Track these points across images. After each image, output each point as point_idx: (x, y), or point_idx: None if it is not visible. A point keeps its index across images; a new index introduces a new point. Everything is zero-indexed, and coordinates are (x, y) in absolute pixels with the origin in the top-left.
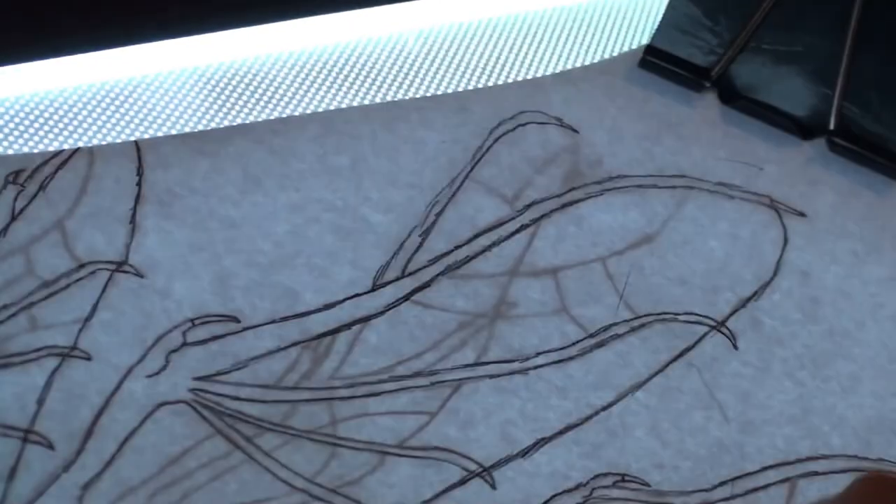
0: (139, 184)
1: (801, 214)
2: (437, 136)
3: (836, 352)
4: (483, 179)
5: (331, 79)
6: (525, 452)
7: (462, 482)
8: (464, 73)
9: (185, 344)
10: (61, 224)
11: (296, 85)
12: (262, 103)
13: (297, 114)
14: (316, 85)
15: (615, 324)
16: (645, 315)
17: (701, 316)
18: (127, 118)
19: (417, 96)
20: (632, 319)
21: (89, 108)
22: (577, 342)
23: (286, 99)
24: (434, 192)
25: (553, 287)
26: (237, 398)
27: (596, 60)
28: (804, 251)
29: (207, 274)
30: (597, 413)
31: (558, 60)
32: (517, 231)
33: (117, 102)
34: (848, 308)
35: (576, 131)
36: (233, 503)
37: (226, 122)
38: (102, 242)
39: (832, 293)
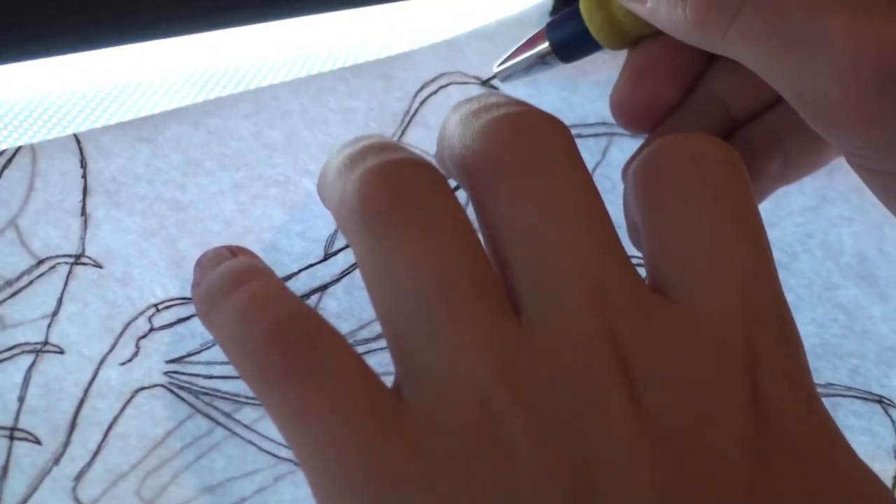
0: (84, 176)
1: None
2: (365, 105)
3: None
4: (414, 143)
5: (258, 62)
6: None
7: None
8: (384, 40)
9: (152, 329)
10: (15, 222)
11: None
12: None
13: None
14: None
15: None
16: None
17: (639, 258)
18: (63, 111)
19: (342, 67)
20: None
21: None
22: None
23: (214, 79)
24: None
25: None
26: (211, 376)
27: (509, 13)
28: None
29: (163, 259)
30: None
31: (472, 16)
32: (455, 189)
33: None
34: (778, 240)
35: (494, 87)
36: (223, 478)
37: (159, 108)
38: (57, 237)
39: None
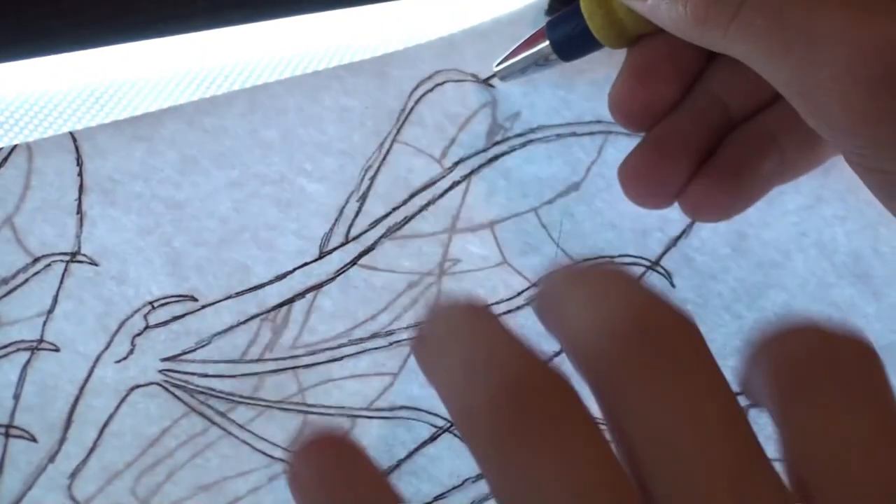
0: (80, 174)
1: None
2: (360, 103)
3: (768, 283)
4: (410, 140)
5: (255, 61)
6: None
7: (432, 439)
8: (380, 39)
9: (147, 327)
10: (11, 220)
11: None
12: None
13: (221, 92)
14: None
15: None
16: (583, 260)
17: (635, 257)
18: (59, 109)
19: (336, 65)
20: (571, 265)
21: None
22: (523, 292)
23: (210, 78)
24: (365, 156)
25: (492, 240)
26: (206, 375)
27: (504, 11)
28: None
29: (159, 256)
30: (552, 359)
31: (467, 14)
32: (450, 188)
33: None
34: (773, 240)
35: (491, 86)
36: (217, 478)
37: (155, 107)
38: (53, 235)
39: (756, 226)
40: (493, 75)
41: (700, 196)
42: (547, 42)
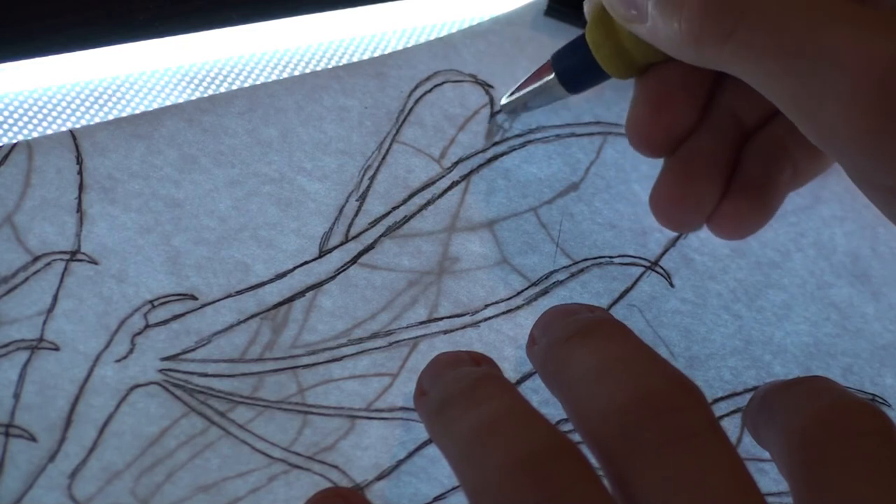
0: (80, 172)
1: None
2: (359, 103)
3: (766, 282)
4: (409, 140)
5: (253, 61)
6: None
7: (431, 440)
8: (378, 39)
9: (147, 326)
10: (11, 219)
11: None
12: (192, 86)
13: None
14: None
15: (555, 271)
16: (582, 260)
17: (634, 257)
18: (60, 108)
19: (335, 65)
20: (570, 265)
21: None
22: (522, 291)
23: (209, 78)
24: (364, 156)
25: (491, 239)
26: (205, 374)
27: (503, 11)
28: None
29: (159, 255)
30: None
31: (466, 14)
32: (449, 188)
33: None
34: (771, 240)
35: (490, 86)
36: (217, 478)
37: (154, 106)
38: (53, 233)
39: None
40: (500, 110)
41: (732, 216)
42: (553, 75)
